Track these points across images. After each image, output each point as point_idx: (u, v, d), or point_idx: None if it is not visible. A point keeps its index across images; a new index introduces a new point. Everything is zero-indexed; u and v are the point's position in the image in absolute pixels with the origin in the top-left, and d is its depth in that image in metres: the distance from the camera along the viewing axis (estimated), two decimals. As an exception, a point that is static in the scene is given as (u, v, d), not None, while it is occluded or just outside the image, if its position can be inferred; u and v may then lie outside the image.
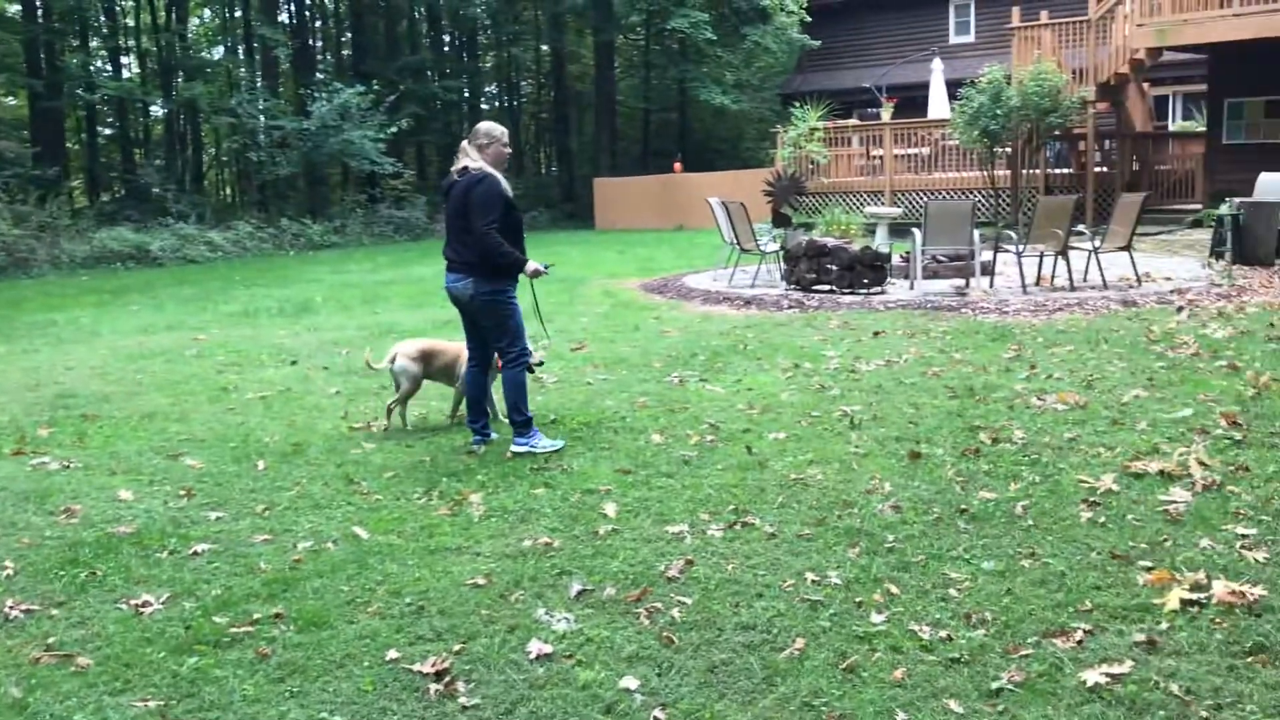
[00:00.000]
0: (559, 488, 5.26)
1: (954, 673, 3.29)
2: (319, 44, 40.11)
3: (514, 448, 5.91)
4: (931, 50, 25.39)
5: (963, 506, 4.73)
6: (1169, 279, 11.90)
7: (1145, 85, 21.42)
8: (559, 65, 40.82)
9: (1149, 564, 4.00)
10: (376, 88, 28.86)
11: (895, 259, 13.07)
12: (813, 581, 4.00)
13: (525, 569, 4.22)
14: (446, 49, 40.98)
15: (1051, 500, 4.77)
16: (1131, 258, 11.78)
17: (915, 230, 12.07)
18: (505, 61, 43.09)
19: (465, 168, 5.84)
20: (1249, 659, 3.27)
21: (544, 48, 42.44)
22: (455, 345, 6.68)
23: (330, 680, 3.38)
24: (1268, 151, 16.99)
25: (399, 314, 12.45)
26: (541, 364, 6.91)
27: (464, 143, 6.01)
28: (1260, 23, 15.67)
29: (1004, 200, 19.27)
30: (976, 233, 11.90)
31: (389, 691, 3.31)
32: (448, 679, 3.35)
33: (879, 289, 12.04)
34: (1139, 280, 11.59)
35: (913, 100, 24.88)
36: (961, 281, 12.15)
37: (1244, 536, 4.22)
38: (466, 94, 39.68)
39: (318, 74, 35.07)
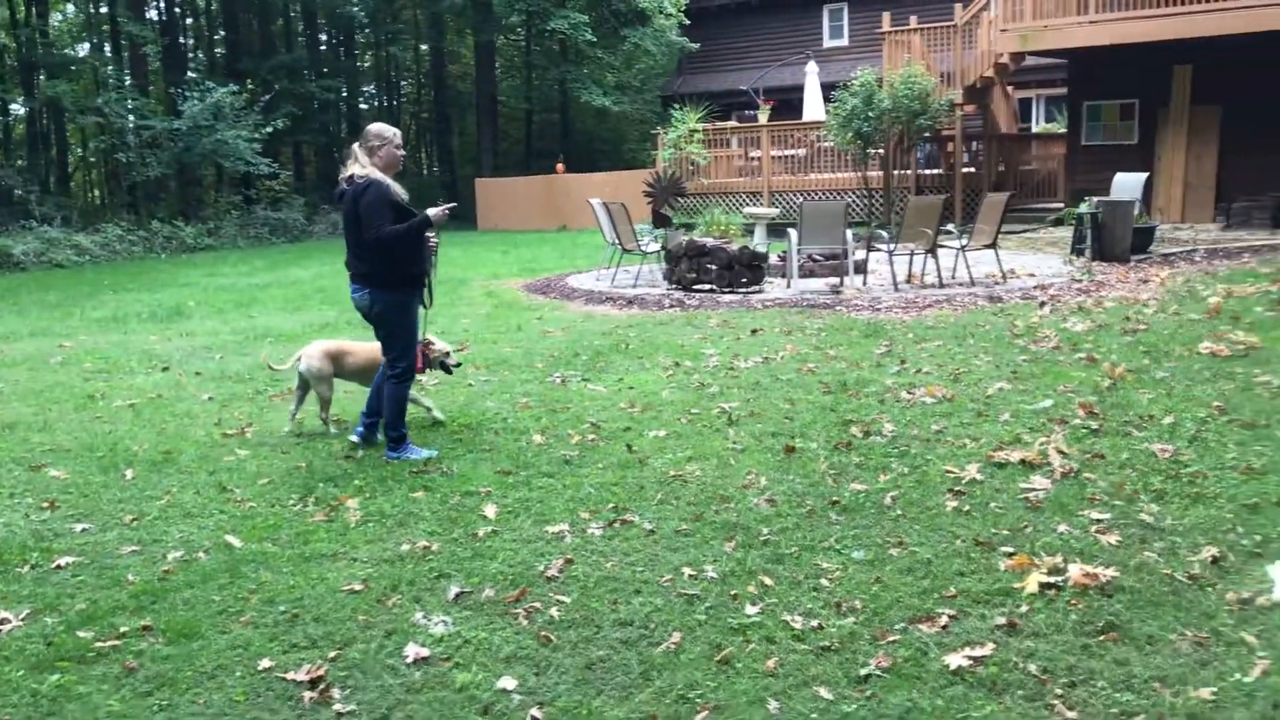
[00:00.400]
0: (438, 491, 5.24)
1: (824, 660, 3.38)
2: (190, 42, 38.96)
3: (387, 457, 5.85)
4: (806, 54, 25.87)
5: (835, 498, 4.86)
6: (1032, 275, 12.36)
7: (1010, 88, 22.19)
8: (439, 65, 40.45)
9: (1010, 549, 4.17)
10: (251, 87, 28.16)
11: (773, 258, 13.32)
12: (690, 576, 4.07)
13: (403, 573, 4.20)
14: (323, 48, 40.26)
15: (919, 490, 4.93)
16: (997, 255, 12.22)
17: (791, 230, 12.30)
18: (384, 61, 42.53)
19: (352, 175, 5.64)
20: (1101, 637, 3.44)
21: (424, 47, 41.99)
22: (369, 346, 6.43)
23: (201, 692, 3.32)
24: (1123, 152, 17.78)
25: (275, 317, 12.20)
26: (459, 365, 6.86)
27: (354, 145, 5.78)
28: (1113, 29, 16.39)
29: (877, 200, 19.75)
30: (850, 232, 12.20)
31: (262, 701, 3.26)
32: (322, 686, 3.31)
33: (757, 288, 12.25)
34: (1004, 277, 12.03)
35: (789, 103, 25.36)
36: (836, 280, 12.43)
37: (1098, 521, 4.43)
38: (345, 93, 38.99)
39: (189, 72, 34.06)
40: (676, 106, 23.12)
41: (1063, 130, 20.83)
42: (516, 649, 3.53)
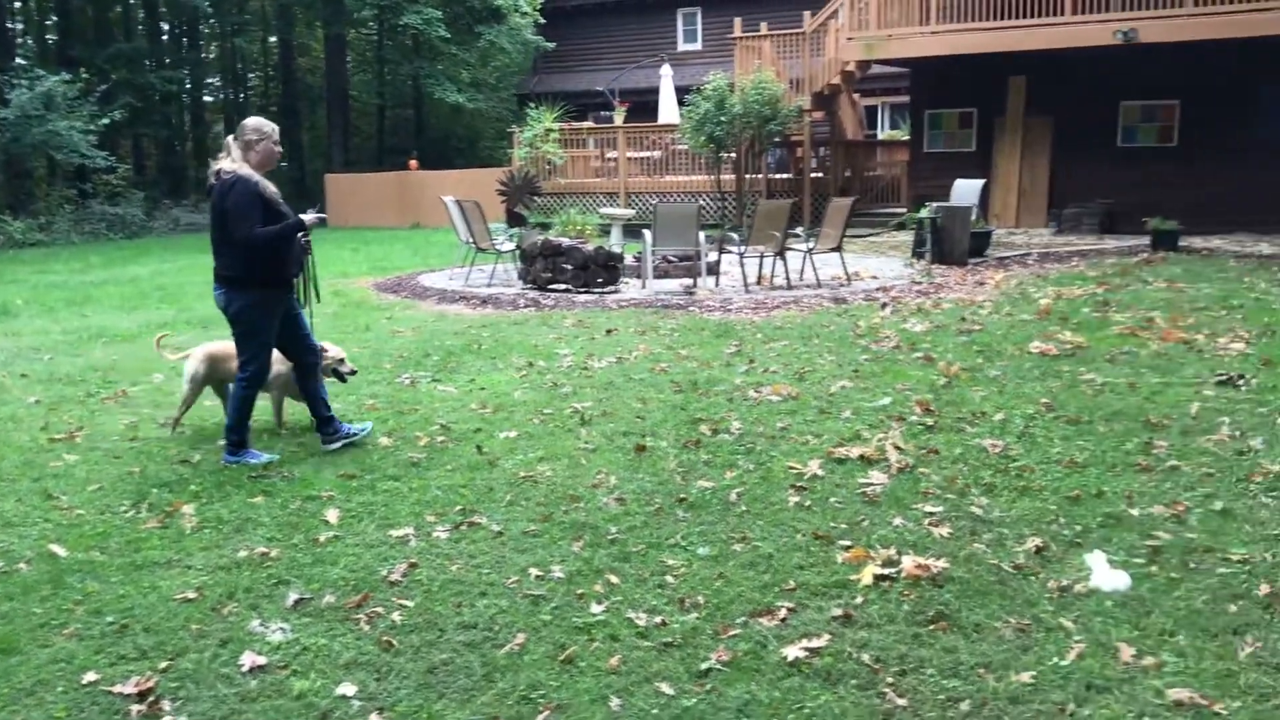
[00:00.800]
0: (278, 495, 5.10)
1: (667, 656, 3.42)
2: (19, 26, 36.96)
3: (225, 461, 5.66)
4: (661, 56, 26.11)
5: (682, 496, 4.93)
6: (875, 278, 12.74)
7: (856, 96, 22.83)
8: (288, 58, 39.36)
9: (848, 543, 4.30)
10: (85, 76, 26.83)
11: (629, 259, 13.40)
12: (536, 577, 4.06)
13: (240, 580, 4.08)
14: (165, 37, 38.68)
15: (763, 487, 5.03)
16: (842, 258, 12.56)
17: (647, 231, 12.41)
18: (230, 52, 41.15)
19: (219, 171, 5.41)
20: (931, 626, 3.57)
21: (272, 39, 40.80)
22: None
23: (17, 710, 3.16)
24: (962, 159, 18.50)
25: (111, 316, 11.68)
26: (354, 373, 6.66)
27: (228, 139, 5.53)
28: (951, 40, 17.05)
29: (729, 203, 20.06)
30: (703, 234, 12.37)
31: (85, 716, 3.12)
32: (152, 699, 3.20)
33: (613, 288, 12.31)
34: (849, 279, 12.37)
35: (645, 105, 25.53)
36: (689, 281, 12.58)
37: (931, 514, 4.60)
38: (188, 85, 37.59)
39: (17, 59, 32.28)
40: (532, 105, 23.05)
41: (906, 137, 21.54)
42: (357, 655, 3.47)
